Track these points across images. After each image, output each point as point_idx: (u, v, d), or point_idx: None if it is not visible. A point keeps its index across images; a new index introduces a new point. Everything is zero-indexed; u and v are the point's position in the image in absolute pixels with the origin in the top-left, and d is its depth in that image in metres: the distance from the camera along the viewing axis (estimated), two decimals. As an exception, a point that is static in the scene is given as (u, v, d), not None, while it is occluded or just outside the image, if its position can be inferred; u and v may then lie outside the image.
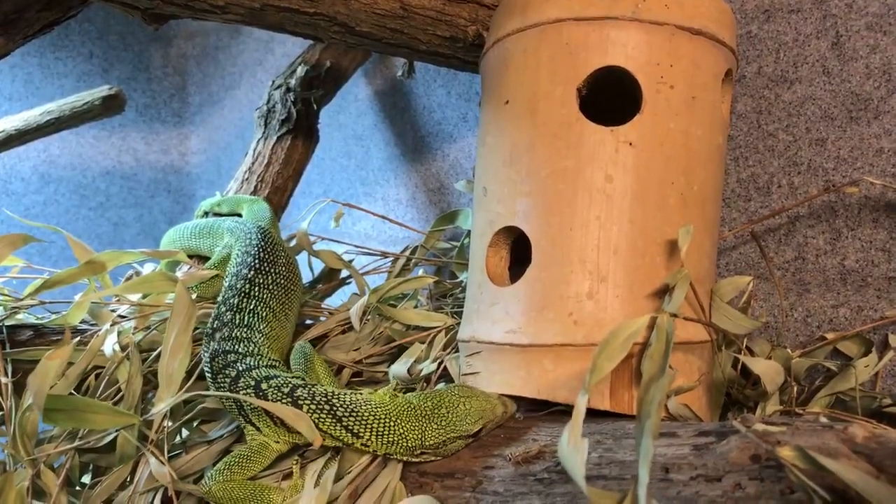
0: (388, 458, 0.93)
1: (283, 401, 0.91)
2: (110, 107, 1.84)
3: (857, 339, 1.15)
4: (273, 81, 1.78)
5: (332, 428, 0.90)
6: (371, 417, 0.90)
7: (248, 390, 0.93)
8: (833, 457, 0.58)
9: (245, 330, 1.04)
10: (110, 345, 1.10)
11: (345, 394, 0.93)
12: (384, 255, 1.51)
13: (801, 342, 1.21)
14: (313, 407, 0.90)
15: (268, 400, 0.91)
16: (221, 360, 0.98)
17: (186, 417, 1.06)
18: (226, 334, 1.02)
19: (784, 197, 1.23)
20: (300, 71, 1.73)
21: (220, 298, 1.10)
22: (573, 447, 0.61)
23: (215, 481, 0.90)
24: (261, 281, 1.11)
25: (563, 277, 0.92)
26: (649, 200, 0.93)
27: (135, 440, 0.97)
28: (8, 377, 1.03)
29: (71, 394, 1.05)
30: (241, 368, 0.97)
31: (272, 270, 1.14)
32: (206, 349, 1.02)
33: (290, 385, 0.93)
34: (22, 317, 1.25)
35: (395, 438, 0.90)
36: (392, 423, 0.90)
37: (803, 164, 1.21)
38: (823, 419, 0.69)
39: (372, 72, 2.07)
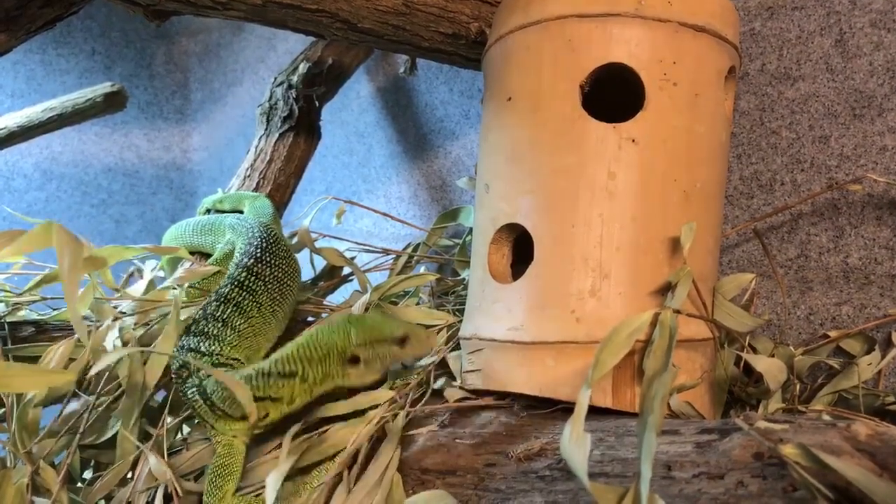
0: (328, 385, 0.94)
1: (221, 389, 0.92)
2: (112, 103, 1.84)
3: (859, 336, 1.14)
4: (275, 78, 1.77)
5: (267, 386, 0.91)
6: (297, 349, 0.92)
7: (193, 389, 0.94)
8: (836, 454, 0.57)
9: (219, 326, 1.03)
10: (111, 341, 1.10)
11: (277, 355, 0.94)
12: (386, 252, 1.50)
13: (804, 340, 1.21)
14: (251, 375, 0.91)
15: (208, 394, 0.92)
16: (181, 358, 0.98)
17: (187, 413, 1.06)
18: (200, 328, 1.02)
19: (787, 194, 1.23)
20: (302, 68, 1.73)
21: (217, 289, 1.10)
22: (575, 442, 0.61)
23: (211, 500, 0.90)
24: (258, 271, 1.10)
25: (565, 275, 0.92)
26: (652, 198, 0.93)
27: (134, 438, 0.97)
28: (9, 373, 1.03)
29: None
30: (193, 369, 0.97)
31: (272, 262, 1.13)
32: (177, 341, 1.02)
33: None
34: (24, 313, 1.25)
35: (325, 350, 0.91)
36: (318, 338, 0.92)
37: (806, 161, 1.20)
38: (826, 417, 0.69)
39: (374, 69, 2.07)
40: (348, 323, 0.95)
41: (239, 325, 1.04)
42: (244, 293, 1.07)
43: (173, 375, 0.99)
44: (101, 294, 1.18)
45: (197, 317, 1.04)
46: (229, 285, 1.07)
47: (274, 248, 1.16)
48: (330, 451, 0.93)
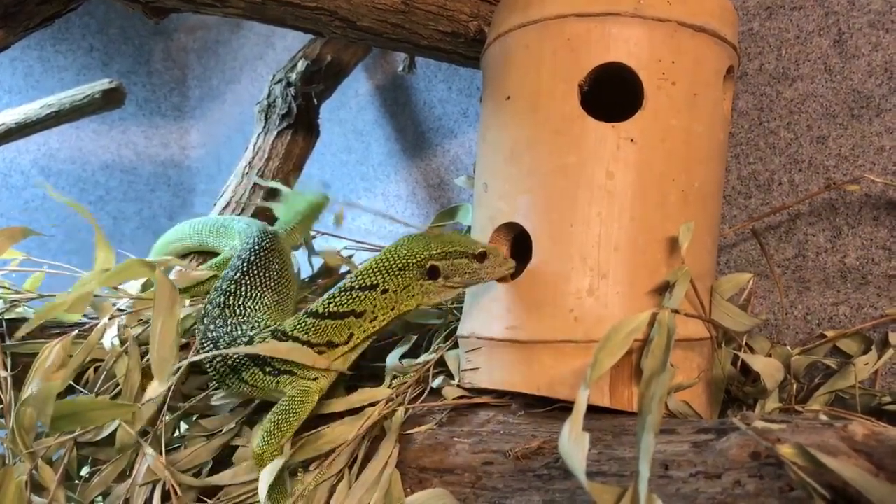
0: (408, 297, 0.94)
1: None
2: (110, 100, 1.84)
3: (856, 336, 1.14)
4: (274, 76, 1.77)
5: (350, 300, 0.91)
6: (376, 262, 0.92)
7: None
8: (832, 454, 0.58)
9: (240, 315, 1.02)
10: (109, 338, 1.10)
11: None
12: (384, 250, 1.50)
13: (801, 340, 1.21)
14: (332, 293, 0.92)
15: (288, 333, 0.92)
16: (228, 339, 0.97)
17: (184, 409, 1.06)
18: (219, 323, 1.01)
19: (785, 194, 1.23)
20: (301, 65, 1.73)
21: (208, 297, 1.09)
22: (574, 442, 0.61)
23: (268, 444, 0.89)
24: (247, 282, 1.08)
25: (563, 274, 0.92)
26: (650, 197, 0.93)
27: (134, 433, 0.97)
28: (7, 371, 1.03)
29: (71, 386, 1.05)
30: (252, 335, 0.96)
31: (260, 273, 1.10)
32: (205, 342, 1.00)
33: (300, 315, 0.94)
34: (21, 310, 1.25)
35: (404, 261, 0.91)
36: (397, 249, 0.93)
37: (804, 161, 1.21)
38: (823, 417, 0.69)
39: (372, 67, 2.07)
40: (427, 236, 0.94)
41: (262, 316, 1.03)
42: (242, 298, 1.05)
43: (208, 344, 0.98)
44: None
45: (205, 321, 1.02)
46: (221, 295, 1.06)
47: (265, 258, 1.13)
48: (325, 448, 0.93)
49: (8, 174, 2.55)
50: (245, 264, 1.11)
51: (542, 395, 0.92)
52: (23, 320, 1.19)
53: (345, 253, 1.41)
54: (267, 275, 1.12)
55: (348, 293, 0.92)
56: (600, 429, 0.83)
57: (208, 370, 1.00)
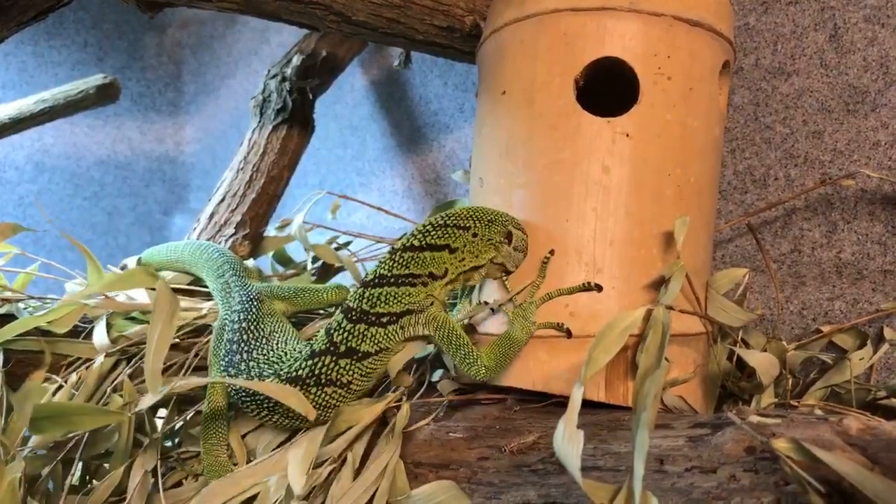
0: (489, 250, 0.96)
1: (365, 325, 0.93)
2: (105, 95, 1.84)
3: (852, 331, 1.15)
4: (269, 70, 1.77)
5: (445, 235, 0.94)
6: (468, 210, 0.97)
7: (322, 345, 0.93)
8: (827, 449, 0.58)
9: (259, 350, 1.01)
10: (99, 338, 1.09)
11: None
12: (380, 241, 1.50)
13: (797, 335, 1.21)
14: (426, 223, 0.95)
15: (391, 277, 0.93)
16: (285, 360, 0.97)
17: (185, 414, 1.05)
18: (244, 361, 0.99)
19: (780, 189, 1.23)
20: (296, 60, 1.72)
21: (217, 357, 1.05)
22: (569, 439, 0.61)
23: (472, 352, 0.92)
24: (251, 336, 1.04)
25: (558, 269, 0.92)
26: (646, 192, 0.93)
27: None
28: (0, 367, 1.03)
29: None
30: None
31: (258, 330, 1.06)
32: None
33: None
34: (13, 307, 1.23)
35: (491, 216, 0.95)
36: (484, 208, 0.97)
37: (800, 156, 1.21)
38: (818, 411, 0.70)
39: (368, 61, 2.06)
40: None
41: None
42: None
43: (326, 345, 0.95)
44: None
45: (233, 355, 1.00)
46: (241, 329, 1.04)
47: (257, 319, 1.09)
48: (342, 427, 0.93)
49: (2, 170, 2.54)
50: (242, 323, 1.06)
51: (537, 391, 0.92)
52: (13, 317, 1.18)
53: (342, 240, 1.41)
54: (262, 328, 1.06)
55: (443, 228, 0.95)
56: (596, 423, 0.83)
57: (270, 416, 0.96)
